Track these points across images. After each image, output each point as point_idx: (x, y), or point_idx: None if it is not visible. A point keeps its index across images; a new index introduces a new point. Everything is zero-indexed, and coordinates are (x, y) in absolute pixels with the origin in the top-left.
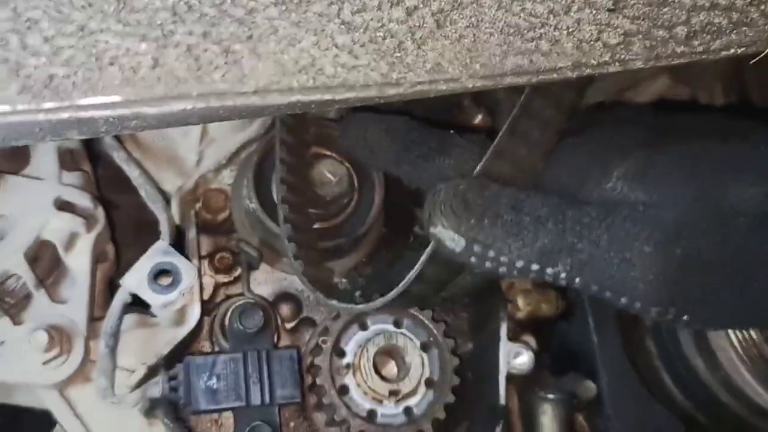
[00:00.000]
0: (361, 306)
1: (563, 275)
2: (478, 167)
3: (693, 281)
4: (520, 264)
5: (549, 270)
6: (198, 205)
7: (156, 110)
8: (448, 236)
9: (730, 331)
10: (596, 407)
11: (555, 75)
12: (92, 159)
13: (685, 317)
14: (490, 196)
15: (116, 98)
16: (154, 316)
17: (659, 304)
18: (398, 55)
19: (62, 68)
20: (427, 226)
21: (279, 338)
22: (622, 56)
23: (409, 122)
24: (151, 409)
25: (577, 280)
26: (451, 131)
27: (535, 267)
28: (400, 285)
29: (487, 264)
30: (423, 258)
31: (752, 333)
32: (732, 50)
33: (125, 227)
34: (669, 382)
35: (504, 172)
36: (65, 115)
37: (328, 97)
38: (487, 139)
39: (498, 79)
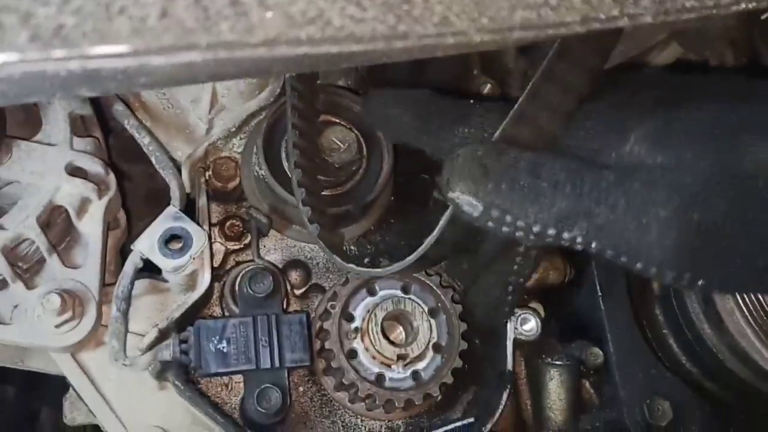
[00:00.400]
0: (379, 270)
1: (579, 239)
2: (498, 132)
3: (710, 246)
4: (537, 228)
5: (566, 234)
6: (208, 174)
7: (164, 61)
8: (466, 201)
9: (738, 296)
10: (603, 374)
11: (563, 30)
12: (103, 129)
13: (700, 282)
14: (508, 161)
15: (125, 48)
16: (165, 281)
17: (675, 269)
18: (405, 8)
19: (72, 17)
20: (446, 191)
21: (288, 304)
22: (631, 10)
23: (428, 95)
24: (162, 371)
25: (594, 244)
26: (471, 101)
27: (551, 231)
28: (420, 249)
29: (505, 229)
30: (442, 222)
31: (760, 297)
32: (743, 4)
33: (137, 197)
34: (677, 349)
35: (524, 137)
36: (75, 65)
37: (335, 50)
38: (507, 105)
39: (506, 33)
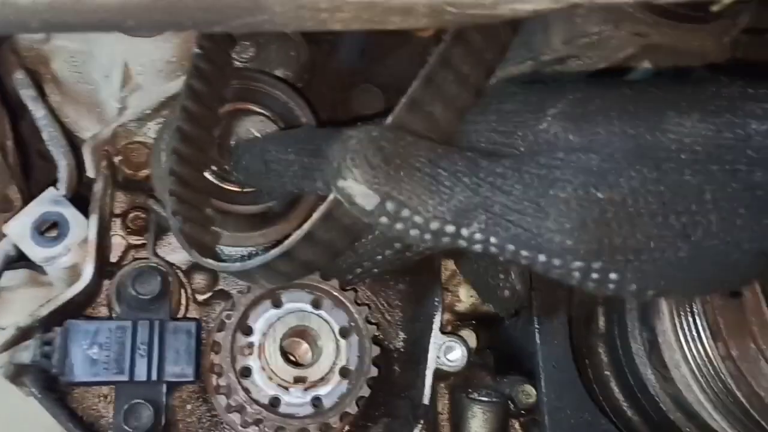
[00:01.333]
0: (236, 265)
1: (478, 236)
2: (390, 117)
3: (621, 228)
4: (434, 225)
5: (464, 231)
6: (118, 158)
7: None
8: (360, 191)
9: (685, 346)
10: (536, 414)
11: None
12: (8, 104)
13: (613, 275)
14: (406, 146)
15: None
16: (44, 273)
17: (581, 258)
18: None
19: None
20: (334, 180)
21: (187, 311)
22: None
23: (310, 130)
24: (17, 375)
25: (492, 239)
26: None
27: (450, 229)
28: (284, 244)
29: (398, 226)
30: (316, 216)
31: (708, 349)
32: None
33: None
34: (618, 393)
35: (417, 128)
36: None
37: None
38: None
39: None
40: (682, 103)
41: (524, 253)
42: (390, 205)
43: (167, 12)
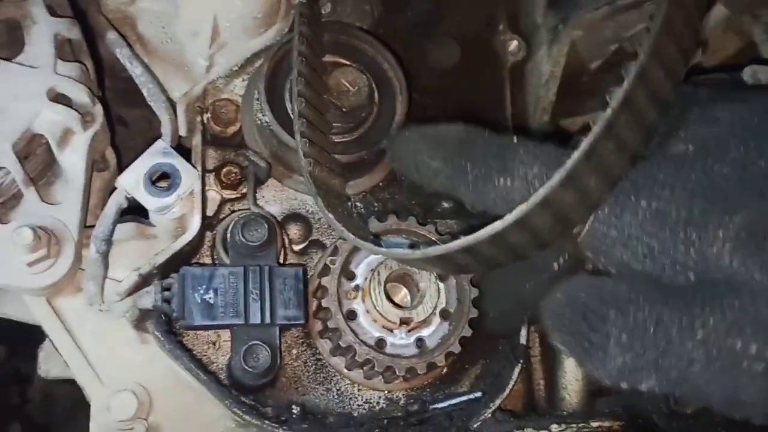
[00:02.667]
0: (396, 251)
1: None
2: (542, 191)
3: None
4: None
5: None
6: (207, 116)
7: None
8: (566, 351)
9: None
10: None
11: None
12: (97, 67)
13: None
14: (605, 303)
15: None
16: (152, 225)
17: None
18: None
19: None
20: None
21: (285, 260)
22: None
23: (462, 133)
24: (140, 320)
25: (676, 393)
26: (513, 138)
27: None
28: (467, 238)
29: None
30: (511, 217)
31: None
32: None
33: (133, 144)
34: None
35: (568, 201)
36: None
37: None
38: (555, 149)
39: None
40: None
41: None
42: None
43: None
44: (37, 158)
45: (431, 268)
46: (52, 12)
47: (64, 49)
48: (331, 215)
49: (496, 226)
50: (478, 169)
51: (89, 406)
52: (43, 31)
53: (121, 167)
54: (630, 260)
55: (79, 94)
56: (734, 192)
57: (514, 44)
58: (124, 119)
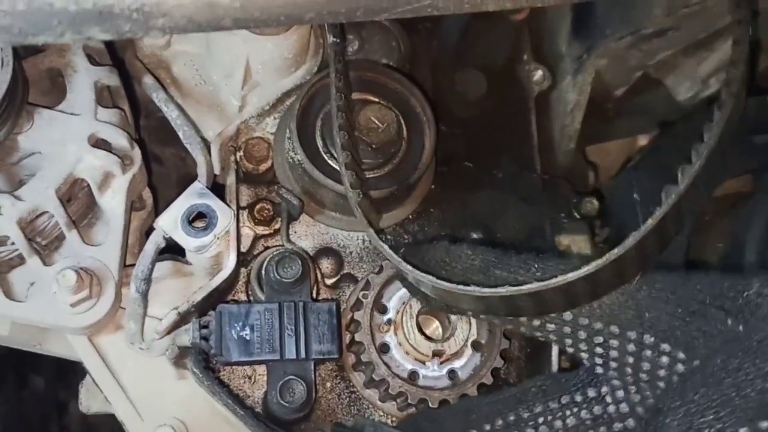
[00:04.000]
0: (453, 285)
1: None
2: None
3: None
4: None
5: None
6: (239, 154)
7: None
8: None
9: None
10: None
11: None
12: (134, 109)
13: None
14: None
15: None
16: (188, 263)
17: None
18: None
19: None
20: None
21: (318, 294)
22: None
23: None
24: (180, 358)
25: None
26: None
27: None
28: (518, 287)
29: None
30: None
31: None
32: None
33: (168, 181)
34: None
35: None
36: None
37: None
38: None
39: None
40: None
41: None
42: None
43: (344, 3)
44: (78, 201)
45: (478, 308)
46: (92, 60)
47: (103, 96)
48: (386, 246)
49: (569, 276)
50: None
51: None
52: (84, 80)
53: (157, 204)
54: None
55: (119, 139)
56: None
57: (539, 74)
58: (158, 157)
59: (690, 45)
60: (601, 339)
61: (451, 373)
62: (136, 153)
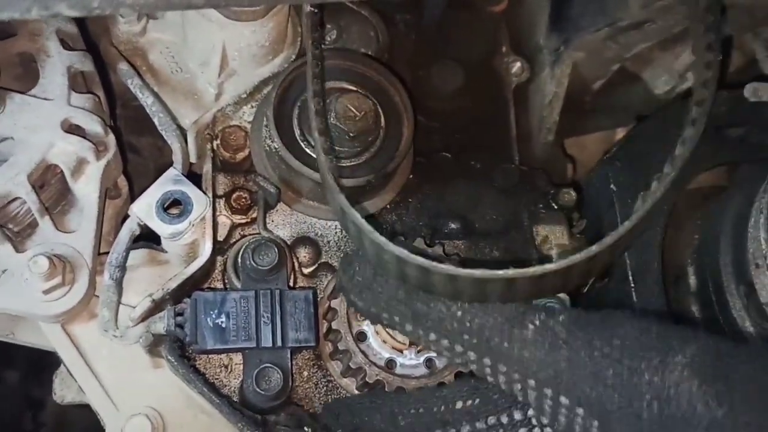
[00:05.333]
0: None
1: None
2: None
3: None
4: None
5: None
6: (216, 143)
7: None
8: None
9: None
10: None
11: None
12: (110, 97)
13: None
14: None
15: None
16: (164, 251)
17: None
18: None
19: None
20: None
21: (295, 283)
22: None
23: None
24: (154, 345)
25: None
26: None
27: None
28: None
29: None
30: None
31: None
32: None
33: (144, 171)
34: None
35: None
36: None
37: None
38: None
39: None
40: None
41: None
42: None
43: None
44: (51, 188)
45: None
46: (65, 45)
47: (77, 81)
48: (361, 219)
49: (547, 267)
50: None
51: (104, 431)
52: (57, 64)
53: (132, 194)
54: None
55: (93, 125)
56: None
57: (517, 66)
58: (135, 146)
59: (667, 38)
60: (519, 386)
61: (429, 362)
62: (111, 139)
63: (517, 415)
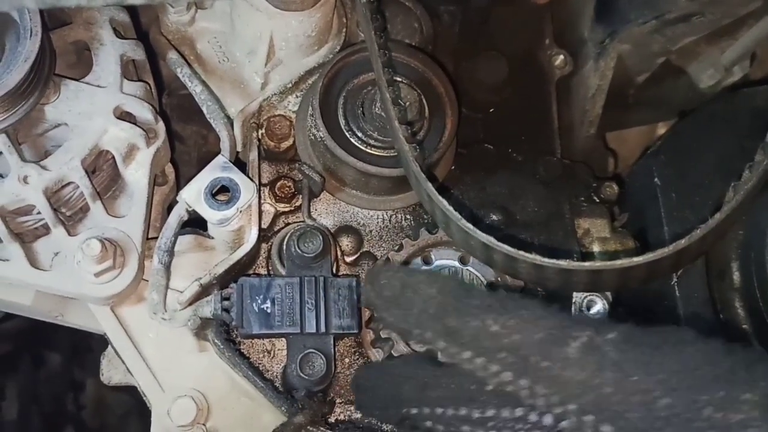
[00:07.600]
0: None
1: None
2: None
3: None
4: None
5: None
6: (261, 132)
7: None
8: None
9: None
10: None
11: None
12: (157, 85)
13: None
14: None
15: None
16: (210, 237)
17: None
18: None
19: None
20: None
21: (338, 271)
22: None
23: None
24: (201, 329)
25: None
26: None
27: None
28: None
29: None
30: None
31: None
32: None
33: (189, 159)
34: (757, 346)
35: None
36: None
37: None
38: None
39: None
40: None
41: None
42: None
43: None
44: (103, 173)
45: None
46: (118, 34)
47: (129, 69)
48: (444, 201)
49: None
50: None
51: (141, 413)
52: (110, 53)
53: (178, 182)
54: None
55: (143, 112)
56: None
57: (560, 58)
58: (180, 135)
59: (713, 32)
60: (559, 411)
61: None
62: (161, 126)
63: (547, 420)
